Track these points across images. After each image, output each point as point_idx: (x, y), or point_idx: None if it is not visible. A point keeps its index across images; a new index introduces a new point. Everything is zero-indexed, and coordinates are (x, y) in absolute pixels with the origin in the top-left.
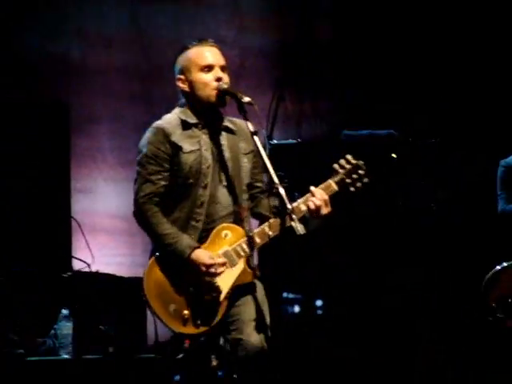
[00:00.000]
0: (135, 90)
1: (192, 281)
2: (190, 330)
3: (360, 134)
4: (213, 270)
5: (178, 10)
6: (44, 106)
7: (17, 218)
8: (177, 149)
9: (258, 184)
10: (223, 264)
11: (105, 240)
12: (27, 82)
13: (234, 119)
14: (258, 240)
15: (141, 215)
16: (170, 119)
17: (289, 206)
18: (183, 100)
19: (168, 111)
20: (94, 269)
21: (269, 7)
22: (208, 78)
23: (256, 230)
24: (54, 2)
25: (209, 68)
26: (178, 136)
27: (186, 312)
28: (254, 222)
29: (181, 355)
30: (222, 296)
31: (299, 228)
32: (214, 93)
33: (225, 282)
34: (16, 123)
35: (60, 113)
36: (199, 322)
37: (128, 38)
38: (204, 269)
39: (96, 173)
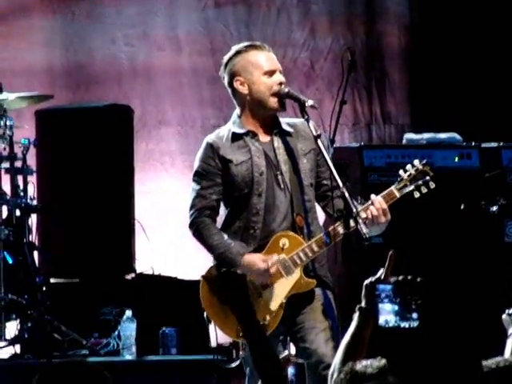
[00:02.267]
0: (204, 94)
1: (246, 290)
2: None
3: (422, 138)
4: (266, 273)
5: (249, 12)
6: (109, 110)
7: (82, 221)
8: (226, 162)
9: (325, 182)
10: (275, 263)
11: (171, 244)
12: (94, 85)
13: (291, 120)
14: (315, 248)
15: (193, 228)
16: (221, 133)
17: (354, 210)
18: (237, 110)
19: None
20: (157, 272)
21: (339, 10)
22: (270, 81)
23: (314, 239)
24: (121, 5)
25: (271, 73)
26: (227, 149)
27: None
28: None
29: (237, 362)
30: (276, 305)
31: (365, 231)
32: (274, 98)
33: (279, 290)
34: (84, 127)
35: (124, 116)
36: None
37: (198, 41)
38: (258, 272)
39: (165, 176)
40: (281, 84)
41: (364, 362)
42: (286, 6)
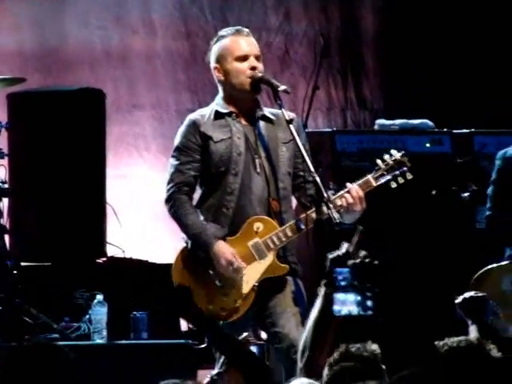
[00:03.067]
0: (179, 78)
1: (217, 272)
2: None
3: (393, 123)
4: (233, 265)
5: None
6: (80, 94)
7: (53, 204)
8: (207, 139)
9: (301, 173)
10: (242, 267)
11: (146, 227)
12: (67, 69)
13: (274, 110)
14: (289, 233)
15: (170, 204)
16: (204, 111)
17: (325, 195)
18: (220, 92)
19: (212, 99)
20: (129, 255)
21: None
22: (243, 66)
23: (288, 224)
24: None
25: (244, 58)
26: (208, 126)
27: (211, 303)
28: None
29: (202, 345)
30: (248, 288)
31: (335, 216)
32: (247, 81)
33: (252, 274)
34: (56, 111)
35: (96, 100)
36: (225, 314)
37: (172, 25)
38: (224, 263)
39: (139, 160)
40: (253, 68)
41: (357, 345)
42: None
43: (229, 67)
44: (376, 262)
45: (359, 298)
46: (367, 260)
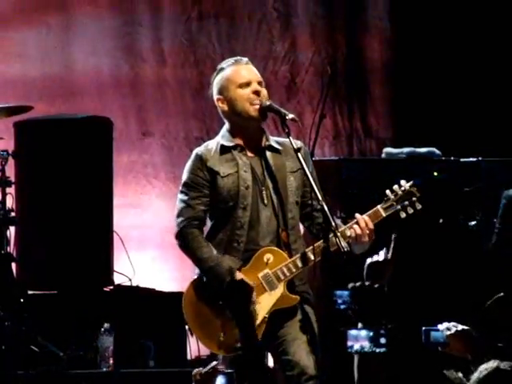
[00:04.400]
0: (188, 106)
1: (229, 304)
2: (226, 352)
3: (401, 152)
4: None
5: (231, 25)
6: (87, 122)
7: (60, 233)
8: (214, 174)
9: (310, 202)
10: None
11: (154, 255)
12: (77, 97)
13: (280, 139)
14: (299, 264)
15: (181, 239)
16: (210, 144)
17: (332, 223)
18: (226, 125)
19: (219, 127)
20: (137, 283)
21: (321, 24)
22: (245, 92)
23: (298, 254)
24: (103, 16)
25: (246, 84)
26: (215, 161)
27: (222, 334)
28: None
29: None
30: (259, 320)
31: (343, 245)
32: (251, 107)
33: (263, 305)
34: (63, 140)
35: (103, 128)
36: (237, 345)
37: (181, 54)
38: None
39: (148, 188)
40: (256, 93)
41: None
42: (266, 19)
43: (232, 95)
44: (376, 286)
45: (372, 333)
46: (367, 283)
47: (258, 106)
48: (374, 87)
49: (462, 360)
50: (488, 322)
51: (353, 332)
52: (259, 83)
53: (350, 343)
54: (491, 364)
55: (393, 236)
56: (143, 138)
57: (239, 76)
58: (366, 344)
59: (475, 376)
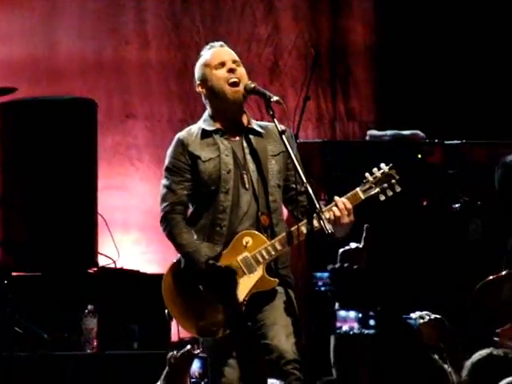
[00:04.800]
0: (172, 88)
1: (207, 288)
2: (206, 335)
3: (385, 134)
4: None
5: (215, 7)
6: (71, 103)
7: (44, 214)
8: (195, 158)
9: (294, 186)
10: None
11: (137, 237)
12: (61, 79)
13: (263, 122)
14: (279, 247)
15: (164, 224)
16: (192, 128)
17: (317, 205)
18: (207, 109)
19: (203, 109)
20: (121, 265)
21: (304, 6)
22: (220, 72)
23: (278, 237)
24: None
25: (221, 64)
26: (196, 145)
27: (202, 318)
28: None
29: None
30: (238, 303)
31: (328, 227)
32: (227, 87)
33: (241, 288)
34: (47, 121)
35: (88, 110)
36: (215, 328)
37: (165, 36)
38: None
39: (131, 170)
40: (231, 70)
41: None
42: (250, 1)
43: (209, 78)
44: (355, 267)
45: (361, 315)
46: (346, 265)
47: (235, 88)
48: (357, 70)
49: (435, 349)
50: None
51: (341, 313)
52: (234, 62)
53: (338, 324)
54: (485, 350)
55: (365, 226)
56: (127, 120)
57: (213, 58)
58: (355, 325)
59: (468, 362)
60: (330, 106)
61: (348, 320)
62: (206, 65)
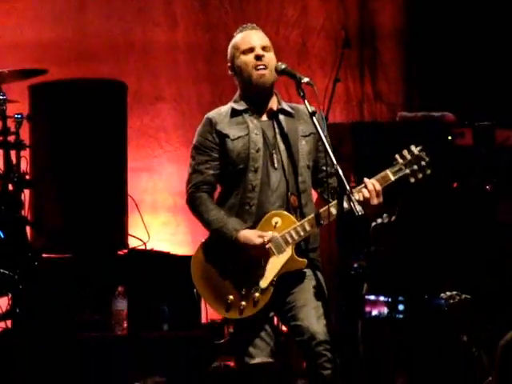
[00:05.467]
0: (200, 70)
1: (238, 266)
2: (233, 315)
3: (415, 115)
4: (262, 248)
5: None
6: (101, 85)
7: (75, 196)
8: (223, 137)
9: (324, 167)
10: (271, 239)
11: (166, 219)
12: (90, 61)
13: (293, 104)
14: (308, 228)
15: (190, 204)
16: (222, 109)
17: (347, 187)
18: (238, 89)
19: (232, 91)
20: (151, 247)
21: None
22: (249, 58)
23: (307, 218)
24: None
25: (250, 50)
26: (225, 124)
27: (230, 297)
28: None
29: (222, 340)
30: (267, 282)
31: (358, 208)
32: (255, 72)
33: (270, 268)
34: (77, 103)
35: (118, 92)
36: (243, 307)
37: (193, 17)
38: (253, 249)
39: (160, 152)
40: (257, 57)
41: None
42: None
43: (237, 62)
44: (393, 219)
45: (390, 299)
46: (386, 221)
47: (262, 71)
48: (385, 52)
49: (465, 329)
50: None
51: (371, 297)
52: (263, 48)
53: (367, 309)
54: None
55: (398, 200)
56: (155, 102)
57: (243, 42)
58: (384, 310)
59: (501, 341)
60: (358, 88)
61: (378, 304)
62: (236, 48)
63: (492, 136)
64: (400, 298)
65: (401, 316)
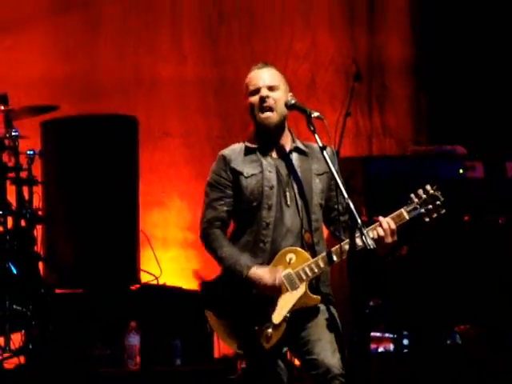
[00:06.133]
0: (209, 104)
1: (250, 302)
2: (246, 351)
3: (427, 149)
4: (273, 288)
5: (251, 23)
6: (113, 121)
7: (87, 231)
8: (237, 174)
9: (336, 206)
10: (282, 277)
11: (176, 253)
12: (100, 96)
13: (308, 142)
14: (322, 265)
15: (204, 240)
16: (235, 146)
17: (358, 220)
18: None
19: (240, 125)
20: (162, 282)
21: (341, 21)
22: (254, 99)
23: (321, 255)
24: (124, 16)
25: (256, 91)
26: (239, 162)
27: (241, 333)
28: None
29: (235, 375)
30: (280, 318)
31: (369, 242)
32: (259, 114)
33: (284, 304)
34: (89, 138)
35: (129, 127)
36: (257, 342)
37: (202, 52)
38: (265, 285)
39: (170, 187)
40: (262, 99)
41: None
42: (287, 17)
43: (246, 102)
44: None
45: (395, 335)
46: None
47: (266, 114)
48: (393, 86)
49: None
50: None
51: (376, 334)
52: (270, 88)
53: (373, 345)
54: None
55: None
56: (165, 137)
57: (250, 83)
58: (390, 346)
59: None
60: (367, 122)
61: (383, 341)
62: (246, 88)
63: (503, 169)
64: (404, 333)
65: (406, 351)
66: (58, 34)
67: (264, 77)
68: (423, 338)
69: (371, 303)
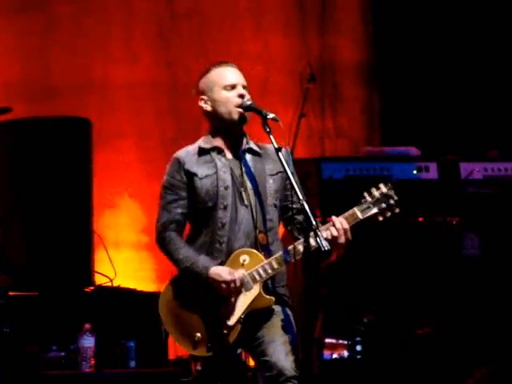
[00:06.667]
0: (162, 105)
1: (206, 303)
2: (200, 352)
3: (380, 150)
4: (233, 284)
5: (203, 25)
6: (65, 122)
7: (40, 234)
8: (191, 176)
9: (292, 205)
10: (241, 276)
11: (129, 255)
12: (53, 98)
13: (261, 144)
14: (275, 265)
15: (160, 243)
16: (189, 148)
17: (313, 222)
18: (209, 125)
19: (194, 127)
20: (116, 284)
21: (293, 24)
22: (230, 95)
23: (274, 256)
24: (78, 16)
25: (232, 87)
26: (192, 163)
27: (198, 334)
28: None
29: (190, 378)
30: (234, 320)
31: (324, 244)
32: (235, 110)
33: (238, 306)
34: (41, 140)
35: (81, 128)
36: (210, 345)
37: (154, 53)
38: (224, 285)
39: (121, 188)
40: (241, 96)
41: None
42: (239, 18)
43: (216, 97)
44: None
45: (349, 342)
46: None
47: (241, 110)
48: (345, 87)
49: None
50: None
51: (330, 340)
52: (243, 87)
53: (327, 352)
54: None
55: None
56: (117, 139)
57: (225, 78)
58: (344, 352)
59: None
60: (319, 124)
61: (337, 347)
62: (215, 83)
63: (457, 170)
64: (357, 339)
65: (359, 357)
66: (13, 35)
67: (239, 75)
68: (377, 342)
69: (365, 320)
